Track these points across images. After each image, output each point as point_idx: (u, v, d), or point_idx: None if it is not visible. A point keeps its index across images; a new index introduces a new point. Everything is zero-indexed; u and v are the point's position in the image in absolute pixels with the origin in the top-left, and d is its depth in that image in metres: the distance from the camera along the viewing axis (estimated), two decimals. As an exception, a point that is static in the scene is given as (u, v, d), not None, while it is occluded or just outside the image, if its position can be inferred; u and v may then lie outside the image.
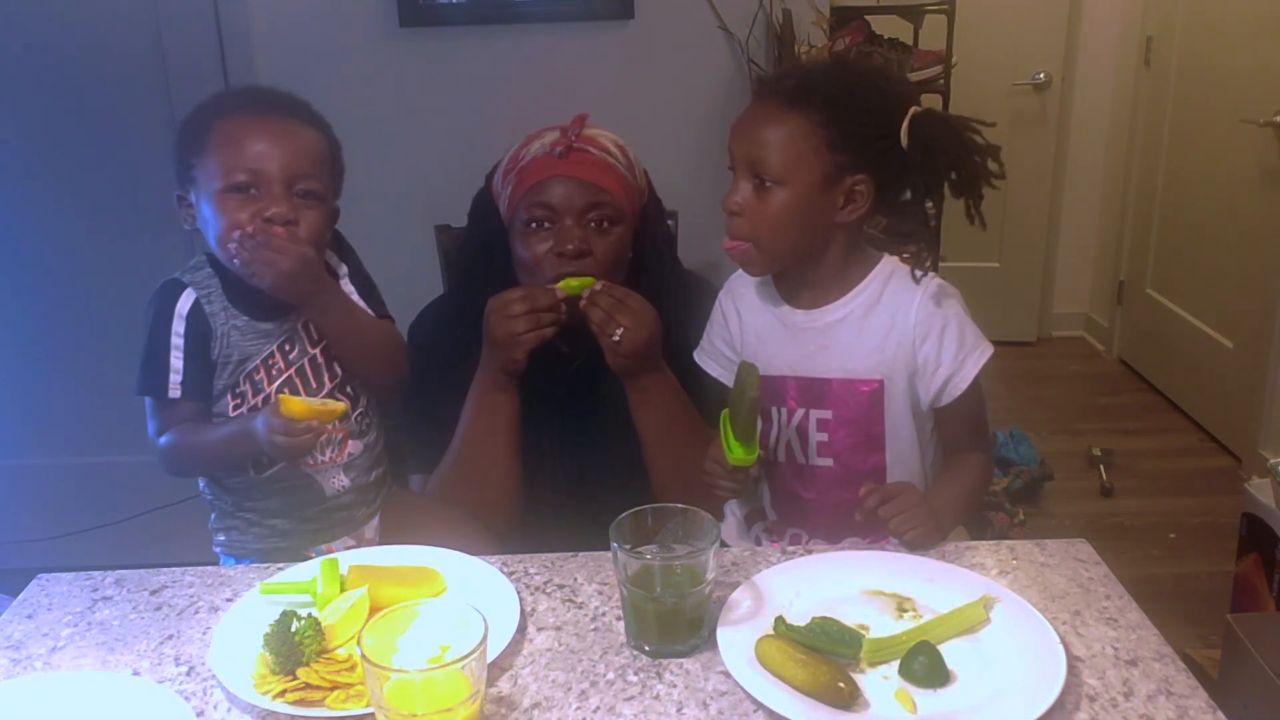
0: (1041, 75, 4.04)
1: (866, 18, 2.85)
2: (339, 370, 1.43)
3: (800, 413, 1.34)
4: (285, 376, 1.38)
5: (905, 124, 1.22)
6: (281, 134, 1.32)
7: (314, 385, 1.40)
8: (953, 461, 1.37)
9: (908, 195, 1.28)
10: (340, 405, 1.26)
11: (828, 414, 1.32)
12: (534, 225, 1.48)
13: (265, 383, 1.37)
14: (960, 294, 1.31)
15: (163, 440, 1.35)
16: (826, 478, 1.35)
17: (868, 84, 1.27)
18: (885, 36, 2.94)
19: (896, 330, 1.29)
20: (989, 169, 1.24)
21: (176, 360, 1.32)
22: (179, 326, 1.33)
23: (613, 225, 1.48)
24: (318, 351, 1.40)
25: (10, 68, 2.46)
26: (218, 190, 1.29)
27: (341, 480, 1.44)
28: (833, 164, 1.23)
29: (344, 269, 1.46)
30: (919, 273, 1.29)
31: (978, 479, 1.36)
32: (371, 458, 1.48)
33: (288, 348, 1.38)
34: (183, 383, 1.33)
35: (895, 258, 1.33)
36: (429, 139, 2.56)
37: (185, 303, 1.33)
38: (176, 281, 1.36)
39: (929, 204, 1.27)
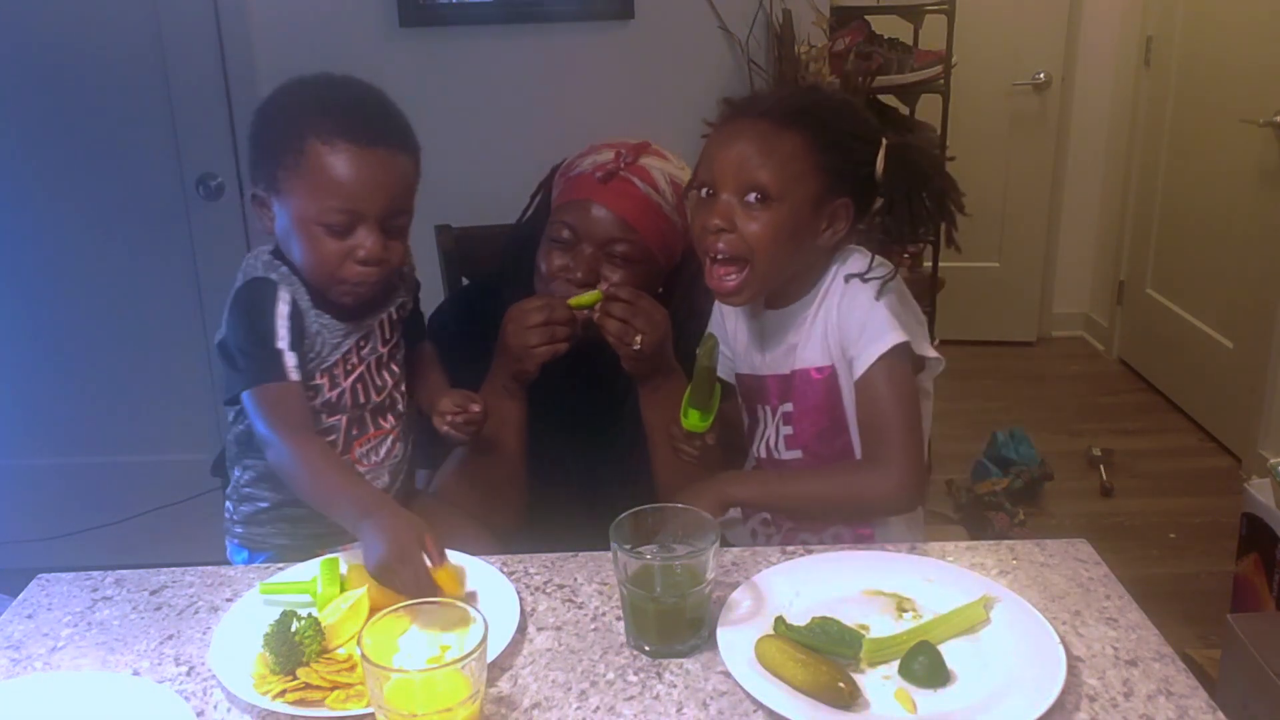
0: (1041, 75, 4.04)
1: (866, 18, 2.86)
2: (396, 369, 1.43)
3: (780, 409, 1.35)
4: (358, 372, 1.38)
5: (881, 152, 1.25)
6: (382, 170, 1.28)
7: (378, 382, 1.40)
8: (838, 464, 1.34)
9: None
10: (457, 583, 1.14)
11: (790, 406, 1.34)
12: (555, 240, 1.48)
13: (342, 377, 1.36)
14: (889, 285, 1.26)
15: (288, 445, 1.26)
16: (797, 470, 1.36)
17: (850, 111, 1.31)
18: (885, 36, 2.94)
19: (831, 319, 1.29)
20: (955, 198, 1.29)
21: (284, 344, 1.29)
22: (284, 323, 1.30)
23: (630, 263, 1.46)
24: (385, 350, 1.41)
25: (10, 68, 2.46)
26: (310, 220, 1.27)
27: (383, 480, 1.44)
28: (822, 185, 1.24)
29: (416, 282, 1.48)
30: (868, 275, 1.27)
31: (821, 488, 1.30)
32: (407, 458, 1.49)
33: (362, 344, 1.38)
34: (297, 366, 1.30)
35: (850, 246, 1.32)
36: (429, 139, 2.51)
37: (284, 303, 1.30)
38: (267, 280, 1.32)
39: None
